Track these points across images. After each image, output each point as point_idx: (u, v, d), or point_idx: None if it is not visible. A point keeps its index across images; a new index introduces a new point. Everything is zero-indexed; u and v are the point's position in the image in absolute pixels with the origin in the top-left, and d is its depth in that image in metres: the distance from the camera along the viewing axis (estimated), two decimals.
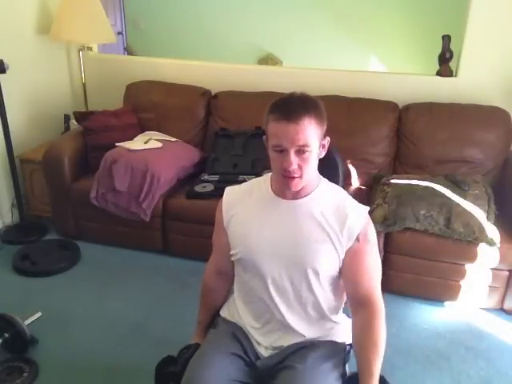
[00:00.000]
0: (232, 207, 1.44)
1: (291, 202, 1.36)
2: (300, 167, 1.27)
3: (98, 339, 2.23)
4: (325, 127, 1.31)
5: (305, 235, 1.33)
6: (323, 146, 1.33)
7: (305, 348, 1.38)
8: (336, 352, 1.39)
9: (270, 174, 1.42)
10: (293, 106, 1.26)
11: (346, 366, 1.40)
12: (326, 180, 1.42)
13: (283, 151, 1.26)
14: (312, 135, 1.25)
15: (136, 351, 2.15)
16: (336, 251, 1.33)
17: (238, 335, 1.44)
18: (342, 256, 1.34)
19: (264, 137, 1.34)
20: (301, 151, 1.25)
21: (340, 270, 1.36)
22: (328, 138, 1.35)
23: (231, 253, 1.44)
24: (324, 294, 1.38)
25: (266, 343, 1.42)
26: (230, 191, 1.48)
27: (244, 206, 1.42)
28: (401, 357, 2.16)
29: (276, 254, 1.35)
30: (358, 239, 1.32)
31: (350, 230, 1.32)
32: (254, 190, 1.44)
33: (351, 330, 1.36)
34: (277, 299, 1.37)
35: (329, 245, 1.32)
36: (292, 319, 1.39)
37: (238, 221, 1.42)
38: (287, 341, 1.40)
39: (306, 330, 1.40)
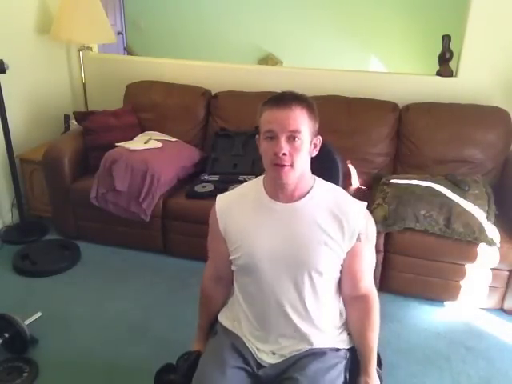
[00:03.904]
0: (226, 213, 1.41)
1: (287, 205, 1.34)
2: (291, 155, 1.26)
3: (98, 339, 2.23)
4: (317, 125, 1.32)
5: (305, 238, 1.31)
6: (315, 146, 1.33)
7: (307, 357, 1.35)
8: (338, 361, 1.37)
9: (261, 176, 1.41)
10: (285, 96, 1.29)
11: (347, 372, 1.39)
12: (321, 179, 1.40)
13: (274, 138, 1.26)
14: (303, 124, 1.26)
15: (136, 351, 2.15)
16: (337, 251, 1.31)
17: (238, 346, 1.41)
18: (344, 256, 1.33)
19: (257, 136, 1.34)
20: (291, 138, 1.25)
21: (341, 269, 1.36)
22: (320, 138, 1.35)
23: (231, 258, 1.41)
24: (329, 297, 1.37)
25: (267, 349, 1.38)
26: (221, 198, 1.46)
27: (239, 210, 1.40)
28: (401, 357, 2.16)
29: (277, 259, 1.32)
30: (359, 239, 1.31)
31: (351, 229, 1.31)
32: (248, 194, 1.42)
33: (347, 319, 1.43)
34: (282, 303, 1.34)
35: (330, 246, 1.31)
36: (298, 323, 1.36)
37: (235, 226, 1.39)
38: (292, 347, 1.37)
39: (312, 336, 1.37)
